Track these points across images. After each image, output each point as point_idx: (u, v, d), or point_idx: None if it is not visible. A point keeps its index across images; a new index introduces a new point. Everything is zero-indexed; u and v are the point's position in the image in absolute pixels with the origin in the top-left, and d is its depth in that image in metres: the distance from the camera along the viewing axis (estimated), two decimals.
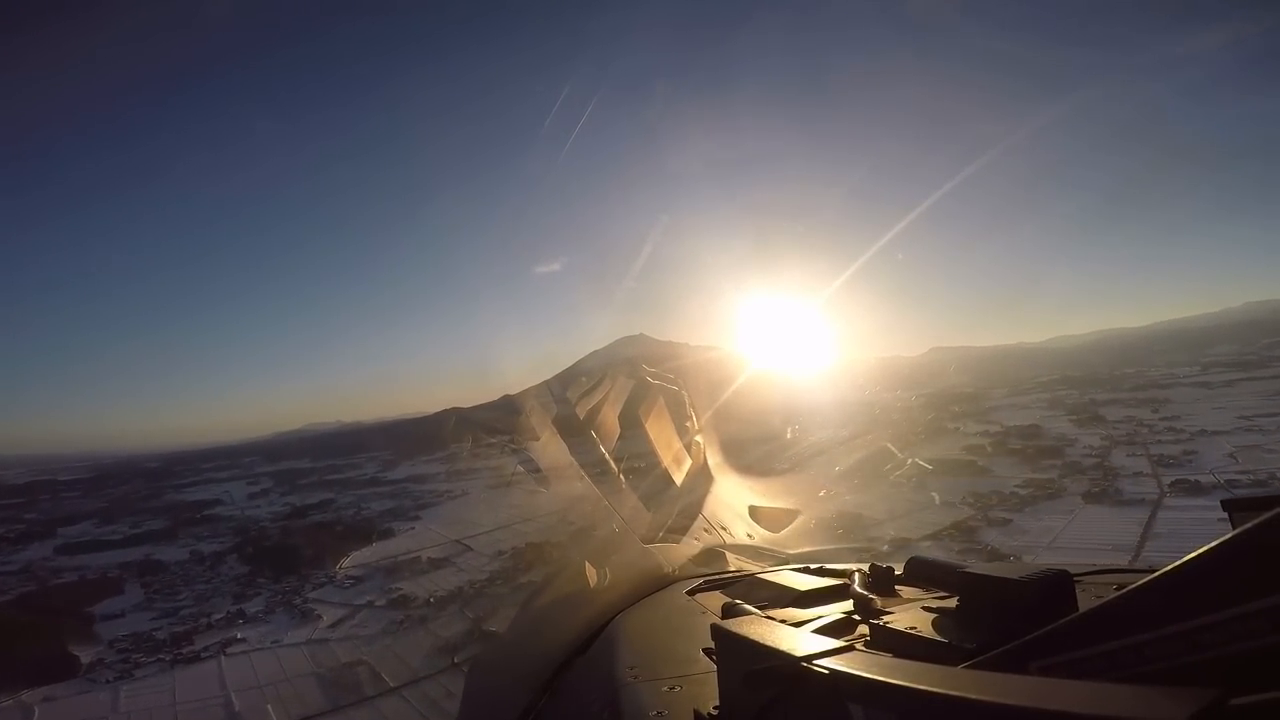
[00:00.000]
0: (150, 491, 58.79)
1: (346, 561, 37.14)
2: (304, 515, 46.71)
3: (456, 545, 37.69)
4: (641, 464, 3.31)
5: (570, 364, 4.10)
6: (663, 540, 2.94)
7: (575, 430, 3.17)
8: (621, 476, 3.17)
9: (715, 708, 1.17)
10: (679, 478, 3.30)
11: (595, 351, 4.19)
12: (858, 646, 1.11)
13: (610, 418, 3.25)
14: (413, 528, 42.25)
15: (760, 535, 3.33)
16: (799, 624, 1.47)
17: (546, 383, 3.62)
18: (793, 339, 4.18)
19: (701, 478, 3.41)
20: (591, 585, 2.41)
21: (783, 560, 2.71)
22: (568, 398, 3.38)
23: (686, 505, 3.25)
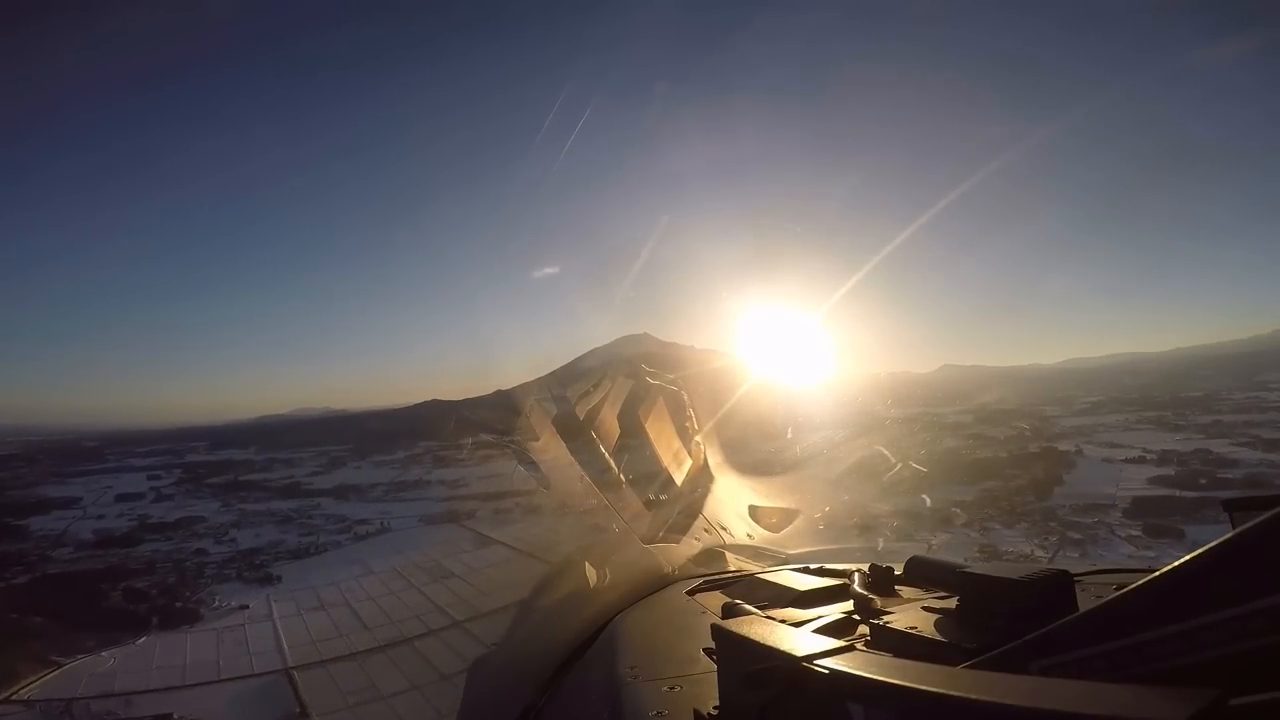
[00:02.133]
0: (30, 479, 44.08)
1: (23, 690, 17.94)
2: (133, 543, 32.58)
3: (274, 684, 18.51)
4: (640, 470, 3.24)
5: (569, 360, 4.01)
6: (663, 540, 2.93)
7: (570, 432, 3.10)
8: (622, 478, 3.14)
9: (715, 708, 1.17)
10: (679, 479, 3.28)
11: (596, 349, 4.12)
12: (858, 646, 1.12)
13: (609, 418, 3.23)
14: (246, 607, 24.19)
15: (760, 535, 3.32)
16: (799, 624, 1.47)
17: (542, 379, 3.50)
18: (800, 347, 4.12)
19: (702, 478, 3.40)
20: (591, 585, 2.41)
21: (783, 560, 2.71)
22: (565, 395, 3.32)
23: (686, 505, 3.23)
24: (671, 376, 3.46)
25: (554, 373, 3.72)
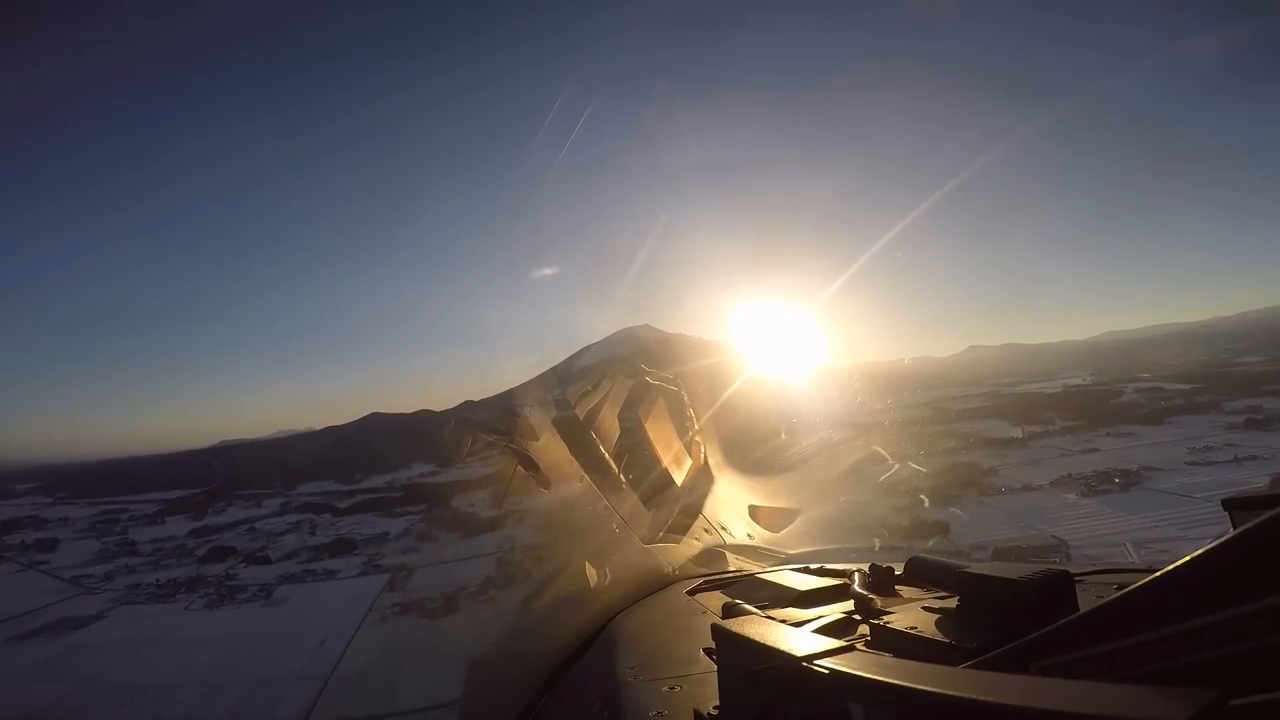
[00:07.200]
0: None
1: None
2: None
3: None
4: (640, 469, 3.19)
5: (567, 356, 3.92)
6: (663, 540, 2.93)
7: (570, 433, 3.06)
8: (621, 479, 3.13)
9: (715, 708, 1.17)
10: (679, 479, 3.27)
11: (593, 344, 4.04)
12: (858, 646, 1.12)
13: (608, 419, 3.20)
14: None
15: (760, 535, 3.32)
16: (799, 624, 1.47)
17: (537, 379, 3.37)
18: (812, 338, 4.06)
19: (701, 478, 3.39)
20: (591, 585, 2.41)
21: (783, 560, 2.71)
22: (559, 401, 3.27)
23: (686, 505, 3.23)
24: (671, 375, 3.45)
25: (552, 370, 3.67)
